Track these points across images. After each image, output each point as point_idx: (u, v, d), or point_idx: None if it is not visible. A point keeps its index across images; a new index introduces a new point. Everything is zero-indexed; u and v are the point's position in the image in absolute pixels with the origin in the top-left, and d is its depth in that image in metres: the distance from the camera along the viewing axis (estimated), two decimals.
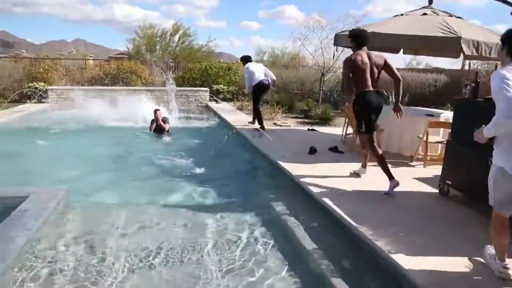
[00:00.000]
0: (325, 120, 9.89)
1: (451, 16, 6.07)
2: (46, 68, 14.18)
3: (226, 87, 14.54)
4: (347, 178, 5.03)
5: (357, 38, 4.62)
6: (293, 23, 48.04)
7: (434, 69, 12.64)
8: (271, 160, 5.94)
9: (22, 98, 13.19)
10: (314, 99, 12.88)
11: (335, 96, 13.81)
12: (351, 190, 4.55)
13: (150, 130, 8.21)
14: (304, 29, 13.39)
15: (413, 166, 5.89)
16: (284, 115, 10.87)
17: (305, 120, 10.17)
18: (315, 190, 4.47)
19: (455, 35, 5.13)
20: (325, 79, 13.06)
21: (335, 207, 3.91)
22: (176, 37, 22.88)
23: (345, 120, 7.66)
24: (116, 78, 14.35)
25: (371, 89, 4.49)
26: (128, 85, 14.23)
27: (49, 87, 13.14)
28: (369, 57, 4.52)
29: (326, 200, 4.10)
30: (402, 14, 6.66)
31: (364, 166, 5.11)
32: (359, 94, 4.49)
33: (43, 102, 12.85)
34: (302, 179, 4.87)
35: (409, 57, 21.87)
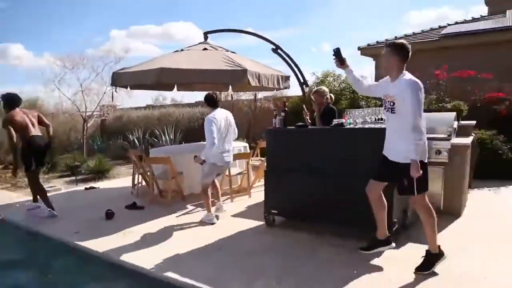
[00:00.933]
0: (101, 174, 8.51)
1: (227, 51, 6.36)
2: None
3: None
4: (156, 236, 4.27)
5: None
6: (18, 63, 40.63)
7: (198, 103, 13.37)
8: (64, 243, 4.36)
9: None
10: (76, 150, 11.08)
11: (98, 143, 12.39)
12: (180, 251, 3.81)
13: None
14: (59, 70, 11.42)
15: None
16: (46, 176, 8.70)
17: (76, 177, 8.44)
18: (136, 262, 3.49)
19: (242, 68, 5.33)
20: (88, 125, 11.51)
21: (178, 277, 3.12)
22: None
23: (134, 168, 6.77)
24: None
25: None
26: None
27: None
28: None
29: (157, 273, 3.23)
30: (182, 50, 6.46)
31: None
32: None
33: None
34: (119, 256, 3.73)
35: (155, 94, 22.11)
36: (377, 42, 10.52)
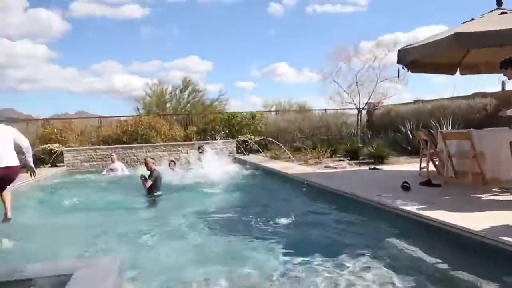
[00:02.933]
0: (380, 159, 8.85)
1: None
2: (61, 129, 13.33)
3: (253, 136, 13.65)
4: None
5: None
6: (285, 79, 50.66)
7: (476, 94, 11.93)
8: (368, 202, 4.77)
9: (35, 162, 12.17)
10: (348, 141, 12.02)
11: (368, 137, 12.95)
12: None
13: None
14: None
15: None
16: (330, 158, 9.89)
17: (359, 160, 9.15)
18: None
19: None
20: (361, 116, 12.27)
21: None
22: (186, 93, 22.55)
23: (421, 150, 6.65)
24: (134, 135, 13.47)
25: None
26: (148, 142, 13.34)
27: (65, 149, 12.19)
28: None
29: None
30: (473, 19, 5.84)
31: None
32: None
33: (57, 166, 11.82)
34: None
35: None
36: None
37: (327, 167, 8.50)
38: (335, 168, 8.19)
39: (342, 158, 9.97)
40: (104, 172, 10.64)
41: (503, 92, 10.92)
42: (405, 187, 5.28)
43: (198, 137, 14.12)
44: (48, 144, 12.15)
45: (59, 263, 2.96)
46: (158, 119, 14.51)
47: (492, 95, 11.55)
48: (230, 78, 53.73)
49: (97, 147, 12.69)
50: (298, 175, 7.32)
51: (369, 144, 9.89)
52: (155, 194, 6.65)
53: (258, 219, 4.70)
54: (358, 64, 12.59)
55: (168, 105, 22.32)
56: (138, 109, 22.87)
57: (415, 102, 14.53)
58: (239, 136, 13.48)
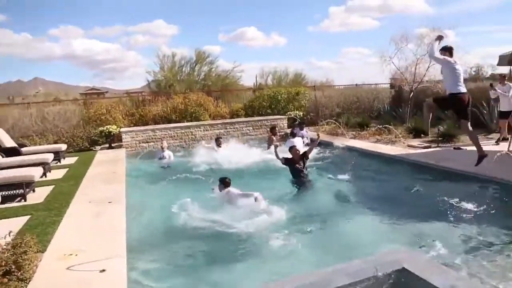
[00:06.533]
0: (449, 137, 9.68)
1: None
2: (109, 108, 13.17)
3: (301, 112, 14.17)
4: None
5: None
6: (253, 44, 49.69)
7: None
8: None
9: (90, 144, 12.12)
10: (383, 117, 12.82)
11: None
12: None
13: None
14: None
15: None
16: (389, 136, 10.60)
17: (436, 139, 9.88)
18: None
19: None
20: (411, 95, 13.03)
21: None
22: (201, 67, 22.26)
23: None
24: (184, 113, 13.57)
25: None
26: (197, 119, 13.52)
27: (123, 130, 12.16)
28: None
29: None
30: None
31: None
32: None
33: (113, 148, 11.84)
34: None
35: None
36: None
37: (410, 146, 9.25)
38: (423, 148, 8.94)
39: (402, 136, 10.72)
40: (154, 160, 10.06)
41: None
42: None
43: (245, 113, 14.41)
44: (106, 126, 12.03)
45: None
46: (205, 96, 14.59)
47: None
48: (196, 42, 51.79)
49: (154, 126, 12.73)
50: (403, 155, 8.06)
51: (445, 123, 10.56)
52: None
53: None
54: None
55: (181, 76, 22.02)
56: (148, 82, 22.59)
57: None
58: (289, 113, 13.95)
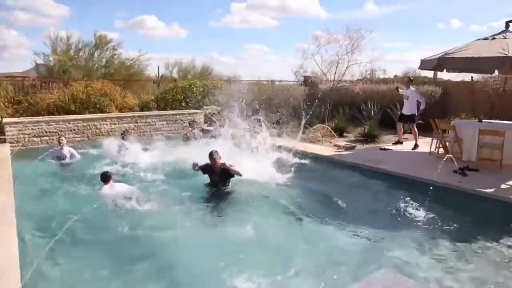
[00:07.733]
0: (372, 138, 9.99)
1: None
2: None
3: (218, 108, 13.35)
4: None
5: None
6: (153, 33, 47.79)
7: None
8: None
9: None
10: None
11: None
12: None
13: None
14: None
15: None
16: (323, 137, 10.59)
17: (360, 138, 10.09)
18: None
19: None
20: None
21: None
22: (101, 53, 19.75)
23: (440, 132, 7.84)
24: (86, 103, 11.65)
25: None
26: (102, 111, 11.75)
27: (6, 120, 9.84)
28: None
29: None
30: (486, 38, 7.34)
31: None
32: None
33: None
34: None
35: None
36: None
37: (336, 146, 9.24)
38: (350, 148, 8.98)
39: (330, 136, 10.82)
40: (49, 159, 8.18)
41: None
42: (462, 172, 6.50)
43: (157, 105, 13.05)
44: None
45: None
46: (111, 85, 12.75)
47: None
48: (90, 27, 46.78)
49: (50, 117, 10.59)
50: (334, 156, 7.96)
51: (368, 122, 10.86)
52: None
53: None
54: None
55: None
56: (37, 66, 19.29)
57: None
58: (205, 107, 13.04)
